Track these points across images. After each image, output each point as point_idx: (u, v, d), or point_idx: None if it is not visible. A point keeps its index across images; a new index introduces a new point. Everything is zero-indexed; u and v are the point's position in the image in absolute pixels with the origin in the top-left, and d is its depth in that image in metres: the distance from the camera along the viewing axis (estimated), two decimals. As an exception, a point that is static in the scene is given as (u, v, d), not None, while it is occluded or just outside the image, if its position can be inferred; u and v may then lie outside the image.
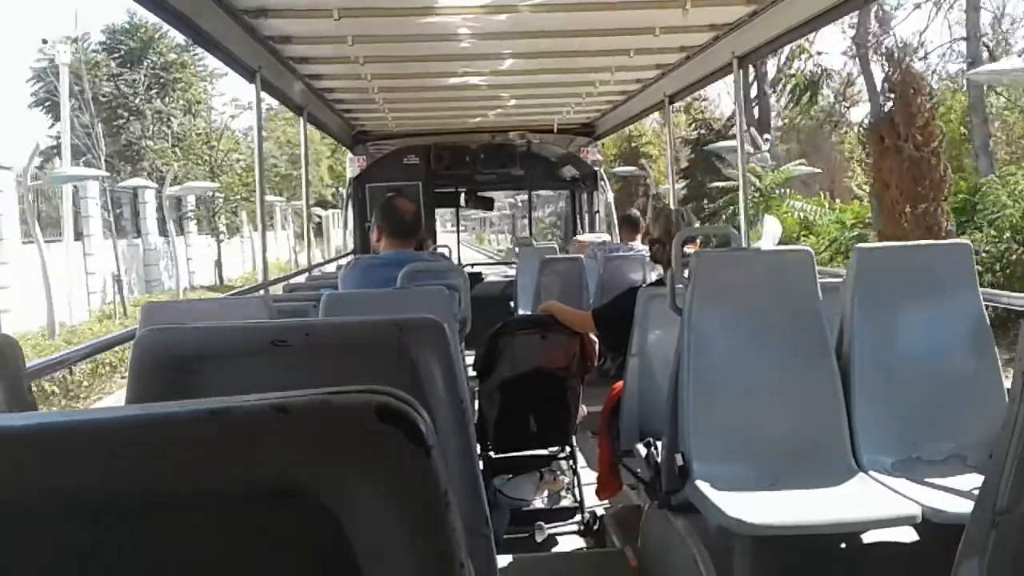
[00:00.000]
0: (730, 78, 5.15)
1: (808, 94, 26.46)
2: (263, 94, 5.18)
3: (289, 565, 0.55)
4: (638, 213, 7.52)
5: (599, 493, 3.61)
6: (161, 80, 29.40)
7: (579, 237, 7.86)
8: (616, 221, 7.59)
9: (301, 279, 5.71)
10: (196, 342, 1.34)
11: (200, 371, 1.35)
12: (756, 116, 24.54)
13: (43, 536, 0.51)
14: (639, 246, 6.67)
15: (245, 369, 1.39)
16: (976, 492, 2.26)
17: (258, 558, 0.55)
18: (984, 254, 11.51)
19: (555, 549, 3.66)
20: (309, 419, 0.49)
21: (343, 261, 6.43)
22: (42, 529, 0.52)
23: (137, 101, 28.54)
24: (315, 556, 0.54)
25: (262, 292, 4.74)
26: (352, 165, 8.59)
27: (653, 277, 4.57)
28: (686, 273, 2.71)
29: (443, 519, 0.50)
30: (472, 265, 8.50)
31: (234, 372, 1.38)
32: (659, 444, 2.77)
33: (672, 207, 5.68)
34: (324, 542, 0.52)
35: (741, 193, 5.31)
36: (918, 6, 22.74)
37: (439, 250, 8.04)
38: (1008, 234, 12.04)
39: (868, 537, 2.49)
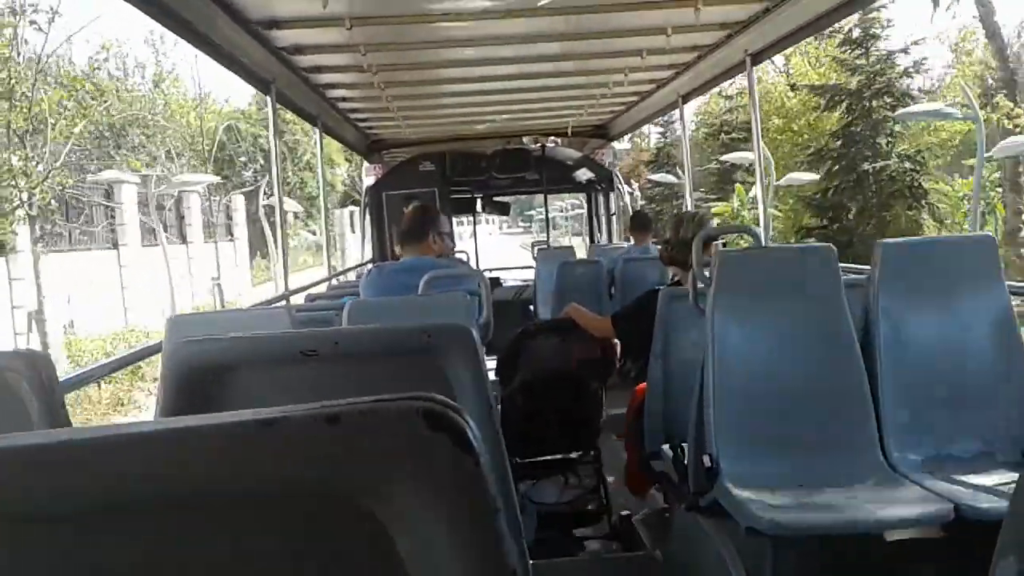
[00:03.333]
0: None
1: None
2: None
3: (337, 572, 0.55)
4: (648, 213, 7.49)
5: (630, 489, 3.62)
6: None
7: None
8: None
9: (322, 288, 5.74)
10: (228, 353, 1.35)
11: (231, 382, 1.36)
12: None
13: (98, 540, 0.52)
14: (654, 248, 6.66)
15: (276, 379, 1.40)
16: (1009, 488, 2.24)
17: (306, 566, 0.55)
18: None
19: (582, 553, 3.65)
20: (359, 428, 0.49)
21: (363, 270, 6.45)
22: (90, 534, 0.52)
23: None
24: (363, 564, 0.54)
25: (283, 303, 4.76)
26: (368, 174, 8.63)
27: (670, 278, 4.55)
28: (707, 272, 2.70)
29: (493, 525, 0.50)
30: (491, 270, 8.50)
31: (265, 382, 1.39)
32: (685, 445, 2.76)
33: (689, 209, 5.66)
34: (372, 550, 0.52)
35: (759, 191, 5.29)
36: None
37: (457, 255, 8.06)
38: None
39: (899, 535, 2.47)
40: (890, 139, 20.75)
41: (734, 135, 24.41)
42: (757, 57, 4.96)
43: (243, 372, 1.38)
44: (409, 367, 1.40)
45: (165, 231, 16.10)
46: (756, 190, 5.36)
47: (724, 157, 19.11)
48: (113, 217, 16.82)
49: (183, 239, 20.19)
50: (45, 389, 1.37)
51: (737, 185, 21.17)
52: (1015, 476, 2.36)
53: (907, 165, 20.36)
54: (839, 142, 21.05)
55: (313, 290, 5.80)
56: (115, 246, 16.83)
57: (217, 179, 18.60)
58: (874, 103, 20.77)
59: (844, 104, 21.06)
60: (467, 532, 0.50)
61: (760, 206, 5.31)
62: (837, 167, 20.95)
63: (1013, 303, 2.68)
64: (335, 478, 0.51)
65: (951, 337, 2.64)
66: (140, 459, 0.50)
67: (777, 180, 18.13)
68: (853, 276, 2.85)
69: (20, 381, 1.35)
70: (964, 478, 2.39)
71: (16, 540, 0.50)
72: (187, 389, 1.35)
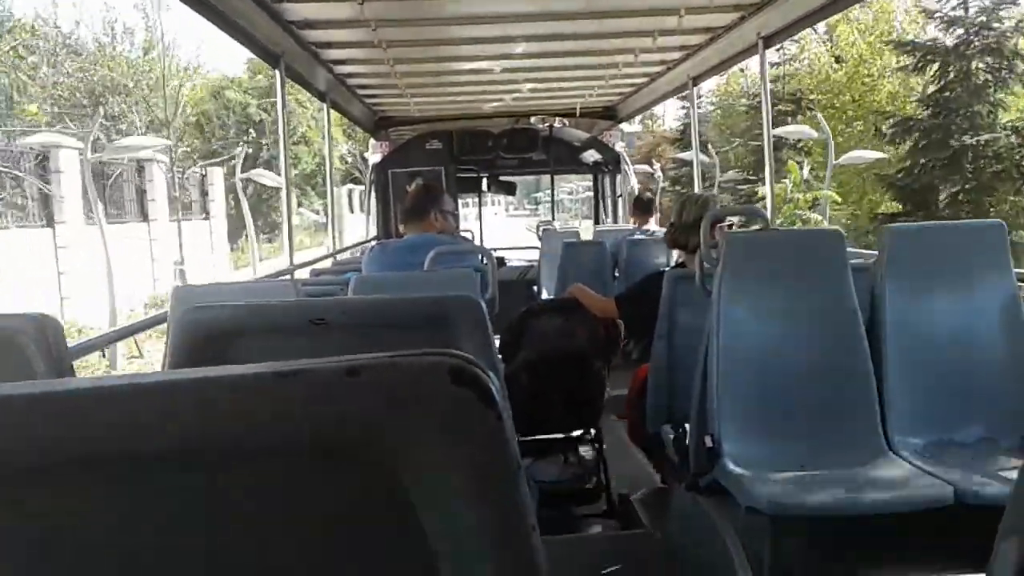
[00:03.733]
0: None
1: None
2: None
3: (356, 528, 0.55)
4: (650, 195, 7.54)
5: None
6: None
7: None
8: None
9: (327, 264, 5.74)
10: (235, 321, 1.35)
11: (238, 350, 1.37)
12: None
13: (113, 489, 0.52)
14: (654, 228, 6.69)
15: (283, 348, 1.40)
16: (1010, 474, 2.25)
17: (324, 519, 0.55)
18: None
19: (581, 531, 3.67)
20: (381, 381, 0.49)
21: (367, 247, 6.44)
22: (112, 483, 0.53)
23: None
24: (381, 518, 0.55)
25: (288, 276, 4.77)
26: (374, 151, 8.62)
27: (675, 260, 4.55)
28: (713, 254, 2.70)
29: (515, 481, 0.50)
30: (495, 249, 8.50)
31: (272, 351, 1.39)
32: (687, 426, 2.77)
33: (696, 191, 5.65)
34: (390, 503, 0.53)
35: (767, 173, 5.27)
36: None
37: (462, 233, 8.07)
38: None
39: (898, 519, 2.48)
40: (991, 108, 17.11)
41: (780, 106, 20.66)
42: (770, 40, 4.93)
43: (250, 340, 1.38)
44: (417, 338, 1.40)
45: (105, 207, 13.27)
46: (767, 175, 5.33)
47: (774, 131, 16.74)
48: (50, 186, 13.73)
49: (144, 216, 17.15)
50: (52, 353, 1.38)
51: (790, 163, 16.90)
52: (1017, 462, 2.37)
53: (1014, 140, 16.67)
54: (927, 111, 17.25)
55: (317, 266, 5.81)
56: (51, 223, 13.65)
57: (165, 143, 16.13)
58: (974, 64, 17.03)
59: (936, 66, 17.20)
60: (489, 486, 0.51)
61: (768, 187, 5.29)
62: (926, 142, 16.96)
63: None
64: (354, 431, 0.51)
65: (957, 322, 2.64)
66: (155, 409, 0.50)
67: (836, 159, 15.58)
68: (860, 260, 2.85)
69: (28, 344, 1.36)
70: (965, 462, 2.39)
71: (29, 491, 0.50)
72: (194, 356, 1.36)
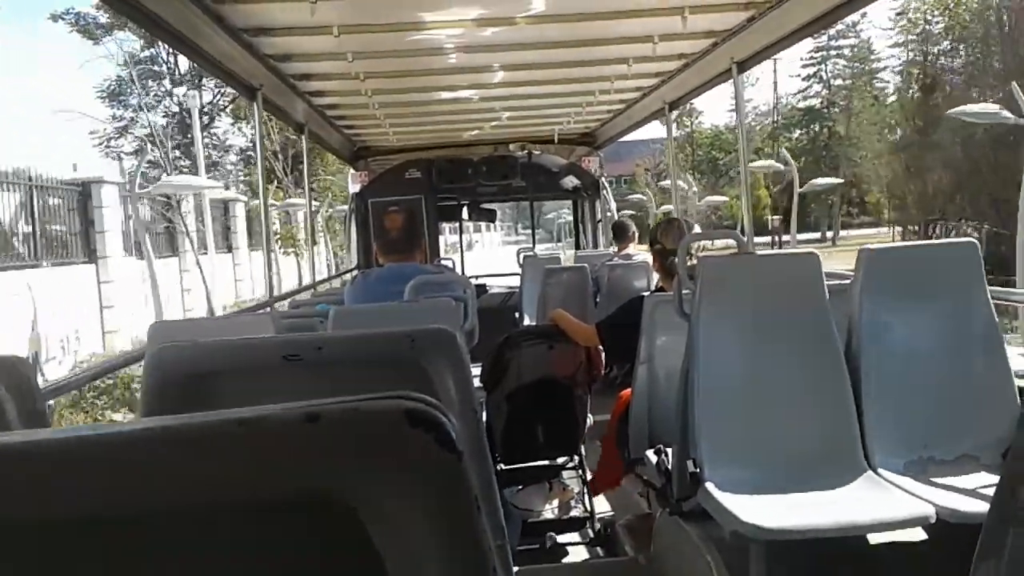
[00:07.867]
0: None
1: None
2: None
3: (318, 573, 0.55)
4: (628, 220, 7.60)
5: (597, 486, 3.65)
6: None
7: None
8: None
9: (306, 295, 5.73)
10: (211, 358, 1.34)
11: (215, 387, 1.36)
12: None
13: (72, 550, 0.51)
14: (633, 252, 6.73)
15: (260, 384, 1.39)
16: (990, 491, 2.26)
17: (287, 566, 0.55)
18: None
19: (567, 559, 3.65)
20: (341, 426, 0.49)
21: (347, 277, 6.44)
22: (72, 544, 0.52)
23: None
24: (344, 564, 0.54)
25: (268, 309, 4.75)
26: (354, 181, 8.63)
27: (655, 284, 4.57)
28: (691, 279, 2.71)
29: (474, 524, 0.50)
30: (476, 277, 8.51)
31: (249, 388, 1.38)
32: (669, 451, 2.77)
33: (674, 215, 5.68)
34: (353, 549, 0.52)
35: (744, 197, 5.31)
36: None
37: (443, 262, 8.07)
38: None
39: (882, 538, 2.48)
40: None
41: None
42: (743, 65, 4.99)
43: (226, 377, 1.37)
44: (394, 373, 1.39)
45: None
46: (743, 199, 5.37)
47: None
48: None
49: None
50: (24, 395, 1.36)
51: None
52: (996, 479, 2.38)
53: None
54: None
55: (298, 297, 5.79)
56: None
57: None
58: None
59: None
60: (447, 530, 0.50)
61: (744, 211, 5.33)
62: None
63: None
64: (315, 477, 0.51)
65: (934, 342, 2.66)
66: (113, 463, 0.49)
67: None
68: (837, 282, 2.87)
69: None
70: (946, 481, 2.41)
71: None
72: (169, 395, 1.34)
